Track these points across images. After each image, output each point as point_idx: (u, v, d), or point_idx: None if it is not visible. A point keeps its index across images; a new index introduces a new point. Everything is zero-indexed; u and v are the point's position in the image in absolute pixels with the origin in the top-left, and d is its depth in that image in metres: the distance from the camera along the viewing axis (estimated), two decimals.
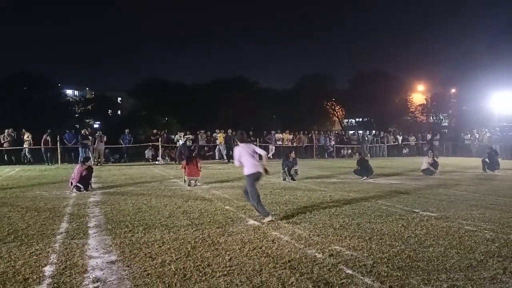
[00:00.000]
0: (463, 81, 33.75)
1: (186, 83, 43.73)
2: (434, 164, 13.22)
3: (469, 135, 26.10)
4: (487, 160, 13.98)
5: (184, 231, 5.34)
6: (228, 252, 4.35)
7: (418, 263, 3.96)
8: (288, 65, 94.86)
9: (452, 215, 6.37)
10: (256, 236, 5.06)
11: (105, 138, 19.03)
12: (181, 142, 19.75)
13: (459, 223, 5.77)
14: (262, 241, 4.82)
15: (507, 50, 27.43)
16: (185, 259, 4.14)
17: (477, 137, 25.02)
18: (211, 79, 43.95)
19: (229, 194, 8.68)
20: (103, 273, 3.72)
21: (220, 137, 22.02)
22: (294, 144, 23.30)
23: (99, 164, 17.67)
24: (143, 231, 5.33)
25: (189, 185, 10.21)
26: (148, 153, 20.88)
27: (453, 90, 40.88)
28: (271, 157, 22.60)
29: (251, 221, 5.93)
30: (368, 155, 23.64)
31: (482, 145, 22.65)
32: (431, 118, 45.74)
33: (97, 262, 4.04)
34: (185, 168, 10.59)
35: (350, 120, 52.01)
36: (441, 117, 45.38)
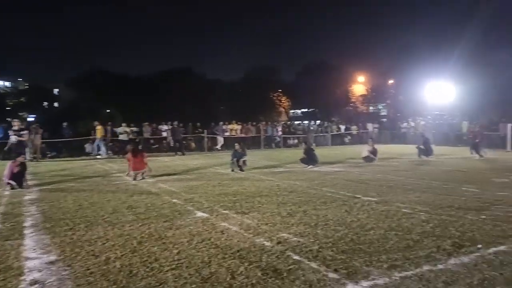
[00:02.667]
0: (400, 72, 35.65)
1: (130, 75, 42.21)
2: (374, 152, 13.89)
3: (405, 123, 27.74)
4: (421, 147, 14.92)
5: (129, 226, 5.18)
6: (176, 246, 4.28)
7: (361, 246, 4.15)
8: (237, 57, 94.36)
9: (390, 199, 6.73)
10: (205, 228, 5.03)
11: (41, 131, 17.84)
12: (124, 134, 19.06)
13: (397, 206, 6.12)
14: (211, 232, 4.80)
15: (441, 42, 29.38)
16: (131, 255, 4.01)
17: (413, 125, 26.66)
18: (157, 70, 42.79)
19: (176, 187, 8.53)
20: (42, 275, 3.51)
21: (98, 130, 18.84)
22: (242, 135, 23.39)
23: (35, 160, 16.56)
24: (85, 229, 5.09)
25: (134, 179, 9.90)
26: (88, 147, 19.86)
27: (391, 81, 43.13)
28: (220, 148, 22.55)
29: (200, 213, 5.88)
30: (314, 144, 24.24)
31: (417, 133, 24.16)
32: (371, 107, 48.03)
33: (34, 263, 3.80)
34: (130, 161, 10.24)
35: (296, 111, 53.11)
36: (380, 107, 47.85)
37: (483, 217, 5.29)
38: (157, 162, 14.86)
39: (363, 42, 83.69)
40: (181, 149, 19.72)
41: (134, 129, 21.23)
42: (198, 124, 24.04)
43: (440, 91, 26.55)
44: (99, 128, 18.98)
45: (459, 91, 26.26)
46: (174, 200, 6.98)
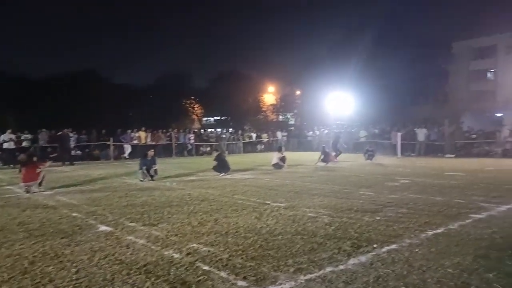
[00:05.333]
0: (306, 83, 37.85)
1: (28, 77, 38.22)
2: (283, 159, 14.44)
3: (311, 132, 29.42)
4: (323, 156, 15.89)
5: (20, 245, 4.63)
6: (74, 264, 3.93)
7: (269, 252, 4.24)
8: (149, 62, 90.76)
9: (297, 204, 7.03)
10: (108, 243, 4.70)
11: None
12: (8, 142, 17.10)
13: (303, 211, 6.40)
14: (115, 247, 4.51)
15: (342, 55, 31.77)
16: (20, 277, 3.59)
17: (317, 133, 28.36)
18: (58, 72, 39.36)
19: (77, 200, 7.90)
20: None
21: None
22: (153, 143, 22.64)
23: None
24: None
25: (27, 192, 8.92)
26: None
27: (298, 92, 45.51)
28: (128, 157, 21.51)
29: (103, 227, 5.50)
30: (226, 152, 24.41)
31: (321, 141, 25.74)
32: (280, 116, 50.08)
33: None
34: (22, 172, 9.22)
35: (209, 118, 53.12)
36: (289, 116, 50.16)
37: (378, 218, 5.79)
38: (56, 172, 13.64)
39: (273, 53, 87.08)
40: (69, 159, 18.08)
41: (27, 136, 19.23)
42: (104, 131, 22.64)
43: (340, 102, 28.65)
44: None
45: (357, 101, 28.63)
46: (74, 214, 6.44)
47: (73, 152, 19.45)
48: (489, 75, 41.65)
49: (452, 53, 35.02)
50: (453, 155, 20.02)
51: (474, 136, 21.42)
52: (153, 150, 12.11)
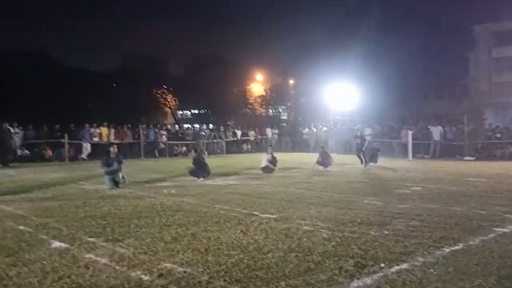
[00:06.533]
0: (301, 71, 37.90)
1: None
2: (273, 161, 14.49)
3: (307, 129, 29.56)
4: (321, 158, 15.97)
5: None
6: None
7: (257, 272, 4.24)
8: (113, 43, 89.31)
9: (291, 215, 7.06)
10: (64, 262, 4.65)
11: None
12: None
13: (297, 223, 6.43)
14: (72, 267, 4.46)
15: (344, 39, 31.94)
16: None
17: (315, 131, 28.54)
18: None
19: (24, 210, 7.78)
20: None
21: None
22: (117, 141, 22.50)
23: None
24: None
25: None
26: None
27: (291, 81, 45.53)
28: (86, 158, 21.33)
29: (57, 243, 5.44)
30: (205, 152, 24.48)
31: (319, 140, 25.95)
32: (271, 110, 50.12)
33: None
34: None
35: (185, 112, 52.81)
36: (280, 110, 50.20)
37: (386, 232, 5.85)
38: None
39: (262, 35, 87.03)
40: (8, 159, 17.69)
41: None
42: (57, 126, 22.36)
43: (341, 94, 28.85)
44: None
45: (361, 94, 28.85)
46: (21, 227, 6.35)
47: (19, 152, 19.19)
48: None
49: (472, 38, 35.43)
50: (473, 158, 20.38)
51: (498, 135, 21.81)
52: (116, 146, 11.91)
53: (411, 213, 7.11)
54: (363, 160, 17.07)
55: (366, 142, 17.80)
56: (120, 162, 11.20)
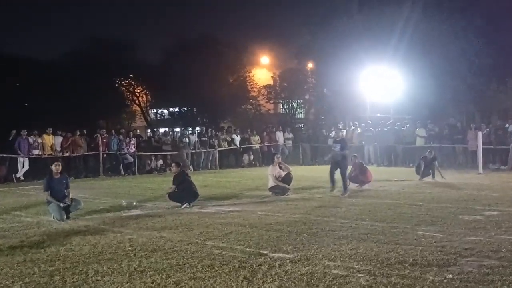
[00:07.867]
0: (325, 52, 37.68)
1: None
2: (286, 178, 14.33)
3: (334, 132, 29.41)
4: (354, 171, 15.85)
5: None
6: None
7: None
8: (66, 26, 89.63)
9: (314, 254, 7.01)
10: None
11: None
12: None
13: (324, 265, 6.39)
14: None
15: (381, 10, 31.84)
16: None
17: (345, 134, 28.43)
18: None
19: None
20: None
21: None
22: (67, 154, 22.51)
23: None
24: None
25: None
26: None
27: (310, 65, 44.98)
28: (23, 178, 21.37)
29: None
30: (191, 167, 24.45)
31: (351, 146, 25.84)
32: (281, 106, 49.77)
33: None
34: None
35: (161, 110, 52.68)
36: (295, 106, 49.82)
37: (450, 276, 5.78)
38: None
39: (268, 5, 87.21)
40: None
41: None
42: None
43: (380, 84, 28.73)
44: None
45: (410, 82, 28.73)
46: None
47: None
48: None
49: None
50: None
51: None
52: (58, 163, 11.73)
53: (484, 249, 7.05)
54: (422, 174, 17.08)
55: (432, 154, 17.76)
56: (66, 187, 11.23)
